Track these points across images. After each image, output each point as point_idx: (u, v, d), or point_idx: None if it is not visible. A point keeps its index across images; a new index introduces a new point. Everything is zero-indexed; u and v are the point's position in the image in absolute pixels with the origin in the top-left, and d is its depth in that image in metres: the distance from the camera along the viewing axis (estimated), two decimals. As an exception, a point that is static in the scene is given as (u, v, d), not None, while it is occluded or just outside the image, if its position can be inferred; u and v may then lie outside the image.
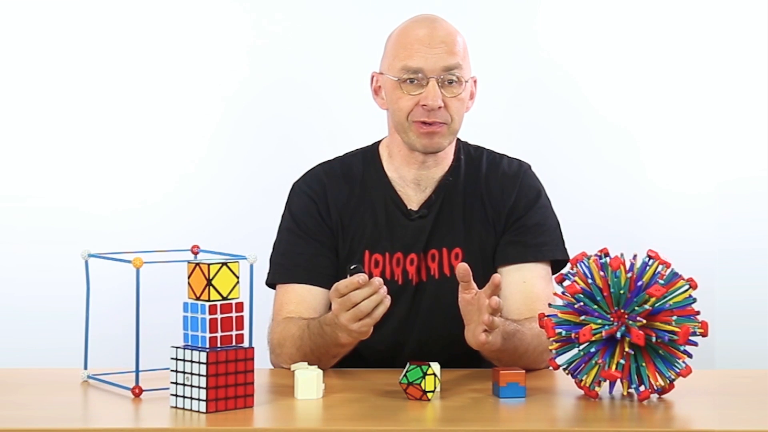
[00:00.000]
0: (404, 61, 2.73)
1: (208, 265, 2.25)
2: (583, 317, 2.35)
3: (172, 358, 2.27)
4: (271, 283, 2.83)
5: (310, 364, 2.44)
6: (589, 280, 2.37)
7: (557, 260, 2.81)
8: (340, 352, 2.63)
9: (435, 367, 2.36)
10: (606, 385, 2.37)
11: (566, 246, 2.83)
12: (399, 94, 2.74)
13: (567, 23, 3.84)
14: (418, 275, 2.79)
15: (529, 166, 2.89)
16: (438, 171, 2.82)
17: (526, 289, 2.75)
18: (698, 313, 2.36)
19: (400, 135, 2.77)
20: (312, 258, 2.79)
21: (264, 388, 2.46)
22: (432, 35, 2.73)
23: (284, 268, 2.80)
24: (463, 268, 2.48)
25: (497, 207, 2.81)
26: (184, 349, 2.25)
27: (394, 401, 2.35)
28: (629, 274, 2.35)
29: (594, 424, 2.22)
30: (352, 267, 2.44)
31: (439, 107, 2.71)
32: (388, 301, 2.45)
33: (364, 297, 2.43)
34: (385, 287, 2.44)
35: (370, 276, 2.43)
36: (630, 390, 2.37)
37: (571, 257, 2.50)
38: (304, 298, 2.76)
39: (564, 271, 2.48)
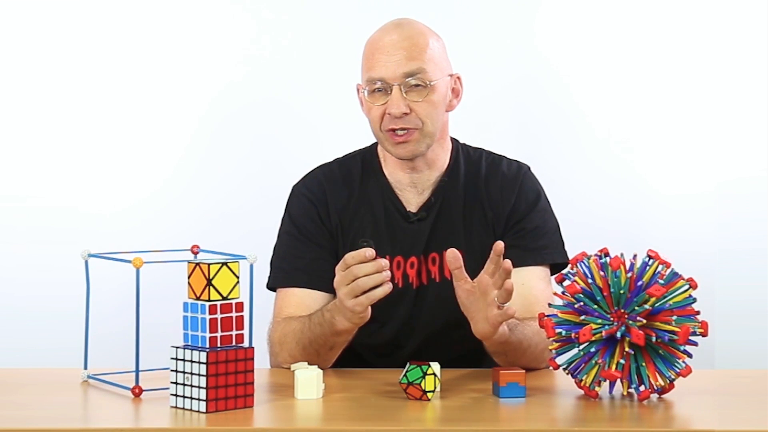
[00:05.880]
0: (369, 72, 2.72)
1: (208, 265, 2.25)
2: (583, 317, 2.35)
3: (172, 358, 2.27)
4: (272, 286, 2.83)
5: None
6: (589, 280, 2.36)
7: (557, 263, 2.81)
8: (337, 343, 2.62)
9: (435, 367, 2.36)
10: (606, 385, 2.37)
11: (566, 248, 2.83)
12: (369, 105, 2.74)
13: (566, 22, 3.84)
14: (419, 278, 2.79)
15: (529, 168, 2.88)
16: (432, 173, 2.81)
17: (525, 292, 2.74)
18: (698, 313, 2.36)
19: (380, 145, 2.78)
20: (312, 262, 2.79)
21: (264, 388, 2.46)
22: (392, 42, 2.71)
23: (284, 272, 2.81)
24: (452, 255, 2.47)
25: (497, 210, 2.81)
26: (184, 349, 2.25)
27: (394, 401, 2.35)
28: (629, 274, 2.35)
29: (594, 424, 2.22)
30: (363, 241, 2.44)
31: (405, 114, 2.70)
32: (388, 287, 2.45)
33: (365, 273, 2.44)
34: (388, 271, 2.45)
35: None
36: (630, 390, 2.37)
37: (571, 257, 2.49)
38: (303, 301, 2.76)
39: (564, 270, 2.48)
